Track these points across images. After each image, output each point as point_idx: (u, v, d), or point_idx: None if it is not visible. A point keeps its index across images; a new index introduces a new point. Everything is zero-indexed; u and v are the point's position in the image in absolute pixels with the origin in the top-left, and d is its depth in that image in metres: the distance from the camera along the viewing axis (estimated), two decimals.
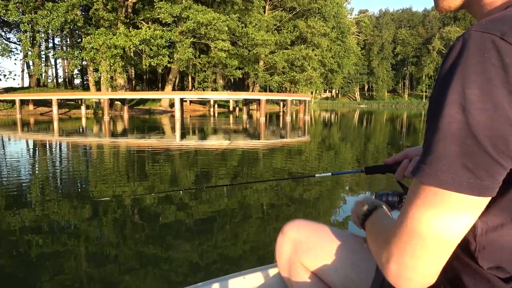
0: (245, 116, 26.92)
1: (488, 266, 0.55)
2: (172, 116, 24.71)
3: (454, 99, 0.46)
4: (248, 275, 1.26)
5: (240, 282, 1.25)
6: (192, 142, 11.62)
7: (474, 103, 0.45)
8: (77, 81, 50.06)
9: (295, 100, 27.82)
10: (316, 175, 1.43)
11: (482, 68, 0.45)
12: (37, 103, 28.01)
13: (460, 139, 0.46)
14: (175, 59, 29.34)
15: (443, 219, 0.49)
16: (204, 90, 37.79)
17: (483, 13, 0.57)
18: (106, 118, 22.77)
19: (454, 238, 0.51)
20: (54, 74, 47.10)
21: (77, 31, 33.70)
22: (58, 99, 25.06)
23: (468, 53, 0.46)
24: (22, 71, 41.24)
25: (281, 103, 31.48)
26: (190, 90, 39.77)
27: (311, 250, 1.03)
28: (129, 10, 30.54)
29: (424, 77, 77.25)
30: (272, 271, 1.27)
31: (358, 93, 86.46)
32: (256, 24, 36.82)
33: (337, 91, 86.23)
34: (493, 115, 0.45)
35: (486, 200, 0.49)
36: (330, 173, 1.41)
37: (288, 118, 23.50)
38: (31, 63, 34.90)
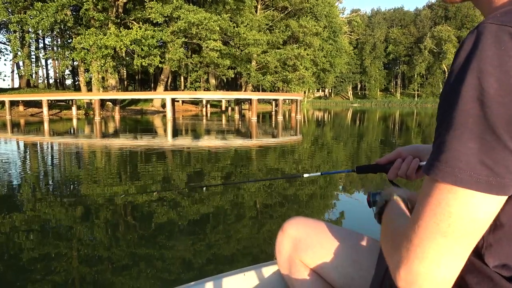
0: (237, 116, 26.94)
1: (494, 264, 0.53)
2: (164, 117, 24.61)
3: (471, 93, 0.44)
4: (248, 272, 1.26)
5: (240, 279, 1.25)
6: (184, 142, 11.57)
7: (492, 97, 0.43)
8: (68, 81, 49.86)
9: (287, 99, 27.87)
10: (305, 175, 1.31)
11: (500, 60, 0.43)
12: (28, 104, 27.78)
13: (479, 135, 0.44)
14: (167, 59, 29.27)
15: (459, 219, 0.47)
16: (196, 90, 37.76)
17: (492, 7, 0.55)
18: (97, 118, 22.63)
19: (471, 240, 0.48)
20: (45, 75, 46.81)
21: (67, 31, 33.49)
22: (48, 100, 24.86)
23: (484, 45, 0.44)
24: (12, 71, 40.91)
25: (273, 102, 31.54)
26: (183, 90, 39.67)
27: (311, 247, 1.02)
28: (120, 10, 30.41)
29: (416, 76, 77.97)
30: (272, 269, 1.27)
31: (351, 92, 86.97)
32: (248, 24, 36.87)
33: (330, 90, 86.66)
34: None
35: (504, 198, 0.47)
36: (319, 173, 1.31)
37: (280, 118, 23.54)
38: (21, 63, 34.57)
